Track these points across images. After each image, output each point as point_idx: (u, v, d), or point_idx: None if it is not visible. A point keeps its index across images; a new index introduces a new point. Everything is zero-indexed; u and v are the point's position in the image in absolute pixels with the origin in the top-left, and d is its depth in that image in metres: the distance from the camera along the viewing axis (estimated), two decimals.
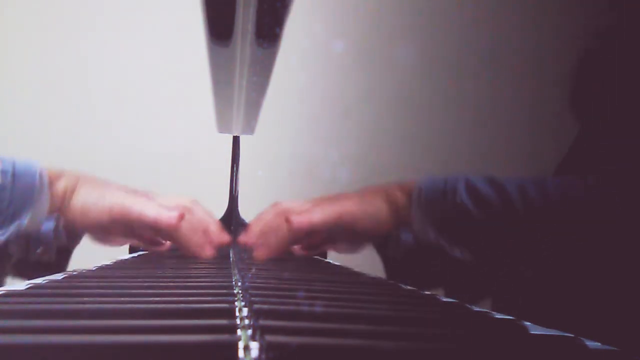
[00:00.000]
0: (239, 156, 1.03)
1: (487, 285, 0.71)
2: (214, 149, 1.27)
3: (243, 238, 0.79)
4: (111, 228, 0.75)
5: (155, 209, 0.74)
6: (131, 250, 0.90)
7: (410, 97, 1.57)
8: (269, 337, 0.24)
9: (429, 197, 0.70)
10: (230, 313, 0.32)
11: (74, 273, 0.56)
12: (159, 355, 0.24)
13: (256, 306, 0.32)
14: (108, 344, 0.24)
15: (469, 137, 1.56)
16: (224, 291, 0.41)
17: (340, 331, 0.29)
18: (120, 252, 0.87)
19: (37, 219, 0.69)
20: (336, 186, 1.50)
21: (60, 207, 0.73)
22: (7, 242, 0.67)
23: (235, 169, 1.03)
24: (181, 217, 0.74)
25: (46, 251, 0.73)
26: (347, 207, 0.74)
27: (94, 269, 0.60)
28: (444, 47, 1.57)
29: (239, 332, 0.29)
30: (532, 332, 0.34)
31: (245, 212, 1.02)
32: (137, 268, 0.63)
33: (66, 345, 0.24)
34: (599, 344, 0.32)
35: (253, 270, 0.57)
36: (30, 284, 0.45)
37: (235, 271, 0.57)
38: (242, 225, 1.01)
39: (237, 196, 1.03)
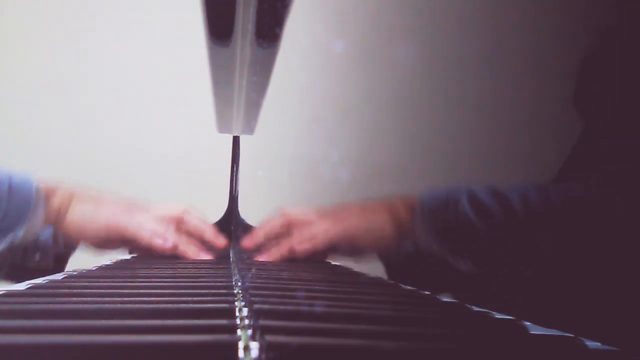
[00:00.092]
0: (239, 156, 1.03)
1: (487, 287, 0.71)
2: (214, 149, 1.27)
3: (246, 242, 0.79)
4: (107, 242, 0.76)
5: (149, 232, 0.74)
6: (131, 251, 0.90)
7: (410, 97, 1.57)
8: (269, 337, 0.24)
9: (432, 209, 0.70)
10: (230, 313, 0.32)
11: (74, 273, 0.56)
12: (159, 355, 0.24)
13: (256, 306, 0.32)
14: (108, 344, 0.24)
15: (469, 137, 1.56)
16: (224, 291, 0.41)
17: (340, 331, 0.29)
18: (120, 252, 0.87)
19: (31, 232, 0.70)
20: (336, 186, 1.50)
21: (55, 222, 0.74)
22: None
23: (235, 169, 1.03)
24: (174, 247, 0.75)
25: (44, 258, 0.74)
26: (350, 226, 0.75)
27: (94, 269, 0.60)
28: (444, 47, 1.57)
29: (239, 332, 0.29)
30: (532, 332, 0.34)
31: (245, 212, 1.02)
32: (137, 268, 0.63)
33: (66, 345, 0.24)
34: (599, 344, 0.32)
35: (253, 270, 0.57)
36: (30, 284, 0.45)
37: (235, 271, 0.57)
38: (242, 225, 1.00)
39: (237, 196, 1.02)
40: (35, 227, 0.70)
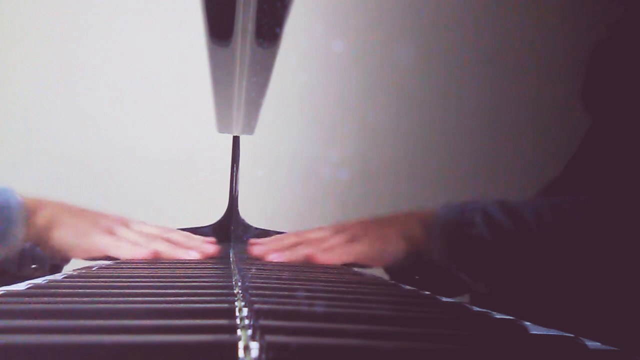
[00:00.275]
0: (239, 156, 1.03)
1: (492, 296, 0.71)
2: (214, 149, 1.27)
3: (257, 251, 0.78)
4: (93, 259, 0.76)
5: (130, 250, 0.74)
6: None
7: (410, 97, 1.57)
8: (269, 337, 0.24)
9: (447, 229, 0.70)
10: (230, 313, 0.32)
11: (74, 273, 0.55)
12: (159, 355, 0.24)
13: (256, 306, 0.32)
14: (108, 344, 0.24)
15: (469, 136, 1.56)
16: (224, 291, 0.41)
17: (340, 331, 0.29)
18: None
19: (12, 248, 0.70)
20: (336, 186, 1.50)
21: (37, 241, 0.74)
22: None
23: (235, 169, 1.03)
24: (156, 254, 0.75)
25: (39, 269, 0.75)
26: (364, 251, 0.75)
27: (94, 269, 0.60)
28: (444, 47, 1.57)
29: (239, 332, 0.29)
30: (532, 332, 0.34)
31: (245, 212, 1.02)
32: (137, 268, 0.63)
33: (66, 345, 0.24)
34: (599, 344, 0.32)
35: (253, 270, 0.57)
36: (30, 284, 0.45)
37: (235, 271, 0.57)
38: (242, 225, 1.01)
39: (237, 196, 1.02)
40: (16, 245, 0.70)
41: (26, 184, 0.74)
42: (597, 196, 0.66)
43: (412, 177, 1.53)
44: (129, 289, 0.43)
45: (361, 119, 1.57)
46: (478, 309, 0.42)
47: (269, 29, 0.50)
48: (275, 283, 0.48)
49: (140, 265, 0.66)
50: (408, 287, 0.56)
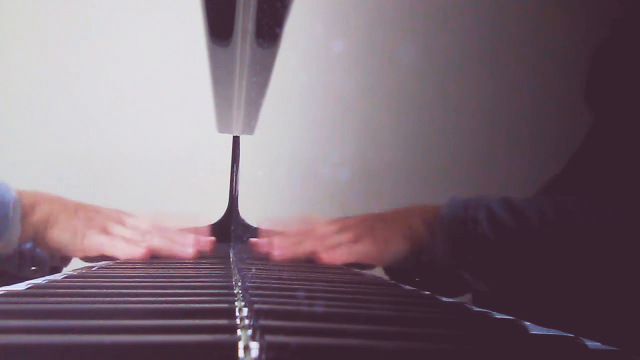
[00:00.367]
0: (239, 156, 1.03)
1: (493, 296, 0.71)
2: (214, 149, 1.27)
3: (262, 248, 0.78)
4: (89, 259, 0.76)
5: (125, 248, 0.74)
6: None
7: (410, 97, 1.57)
8: (269, 337, 0.24)
9: (450, 226, 0.70)
10: (230, 313, 0.32)
11: (74, 273, 0.55)
12: (159, 355, 0.24)
13: (256, 306, 0.32)
14: (108, 344, 0.24)
15: (469, 136, 1.56)
16: (224, 291, 0.41)
17: (340, 331, 0.29)
18: None
19: (9, 245, 0.70)
20: (336, 186, 1.50)
21: (35, 238, 0.74)
22: None
23: (235, 169, 1.03)
24: (149, 251, 0.75)
25: (39, 270, 0.75)
26: (367, 251, 0.75)
27: (94, 268, 0.60)
28: (444, 47, 1.57)
29: (239, 332, 0.29)
30: (532, 332, 0.34)
31: (245, 212, 1.02)
32: (136, 268, 0.63)
33: (66, 345, 0.24)
34: (599, 344, 0.32)
35: (253, 270, 0.57)
36: (30, 284, 0.45)
37: (235, 271, 0.57)
38: (242, 225, 1.01)
39: (237, 196, 1.03)
40: (11, 243, 0.70)
41: (26, 184, 0.74)
42: (600, 195, 0.66)
43: (412, 177, 1.53)
44: (128, 289, 0.43)
45: (361, 119, 1.57)
46: (478, 309, 0.42)
47: (269, 29, 0.50)
48: (275, 283, 0.48)
49: (140, 266, 0.66)
50: (408, 287, 0.56)
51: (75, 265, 0.73)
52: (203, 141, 1.44)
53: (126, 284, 0.46)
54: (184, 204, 1.40)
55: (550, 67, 1.50)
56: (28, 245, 0.76)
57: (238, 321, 0.31)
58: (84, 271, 0.57)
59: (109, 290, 0.41)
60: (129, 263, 0.69)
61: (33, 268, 0.77)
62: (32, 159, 1.43)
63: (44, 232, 0.73)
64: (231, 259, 0.76)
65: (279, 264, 0.72)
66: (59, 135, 1.46)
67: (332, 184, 1.50)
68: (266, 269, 0.61)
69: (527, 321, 0.37)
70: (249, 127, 0.88)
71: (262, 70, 0.62)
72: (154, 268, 0.63)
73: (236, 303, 0.36)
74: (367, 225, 0.77)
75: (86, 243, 0.74)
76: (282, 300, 0.37)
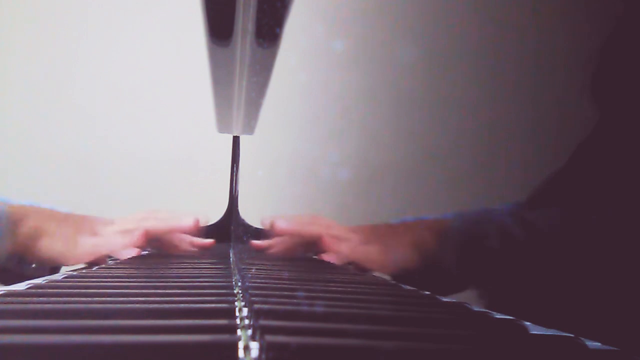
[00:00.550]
0: (239, 156, 1.03)
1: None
2: (214, 149, 1.27)
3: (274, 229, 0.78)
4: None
5: (123, 245, 0.74)
6: None
7: (411, 97, 1.57)
8: (269, 337, 0.24)
9: (460, 240, 0.70)
10: (230, 313, 0.32)
11: (74, 273, 0.55)
12: (159, 355, 0.24)
13: (256, 306, 0.32)
14: (108, 344, 0.24)
15: (470, 136, 1.56)
16: (224, 291, 0.41)
17: (340, 331, 0.29)
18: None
19: None
20: (336, 186, 1.50)
21: (25, 250, 0.73)
22: None
23: (235, 169, 1.03)
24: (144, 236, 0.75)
25: (39, 269, 0.74)
26: (372, 254, 0.75)
27: (94, 269, 0.60)
28: (444, 47, 1.57)
29: (239, 332, 0.29)
30: (532, 332, 0.34)
31: (245, 212, 1.02)
32: (137, 268, 0.63)
33: (66, 345, 0.24)
34: (599, 344, 0.32)
35: (253, 270, 0.57)
36: (30, 284, 0.45)
37: (235, 271, 0.57)
38: (242, 225, 1.01)
39: (237, 196, 1.03)
40: (0, 254, 0.70)
41: (26, 184, 0.74)
42: (600, 193, 0.66)
43: (412, 177, 1.53)
44: (128, 289, 0.43)
45: (361, 119, 1.57)
46: (478, 308, 0.42)
47: (269, 29, 0.50)
48: (275, 283, 0.48)
49: (140, 266, 0.66)
50: (408, 287, 0.56)
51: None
52: (203, 141, 1.43)
53: (126, 284, 0.46)
54: (184, 204, 1.40)
55: (551, 65, 1.50)
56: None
57: (238, 321, 0.31)
58: (84, 271, 0.57)
59: (109, 290, 0.41)
60: (129, 263, 0.69)
61: (33, 265, 0.76)
62: (32, 159, 1.43)
63: (34, 244, 0.73)
64: (231, 259, 0.76)
65: (279, 264, 0.72)
66: (59, 135, 1.46)
67: (332, 184, 1.50)
68: (266, 269, 0.61)
69: (527, 321, 0.37)
70: (249, 127, 0.88)
71: (262, 70, 0.62)
72: (154, 268, 0.63)
73: (236, 303, 0.36)
74: (378, 232, 0.77)
75: (79, 249, 0.74)
76: (282, 300, 0.37)
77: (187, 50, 1.38)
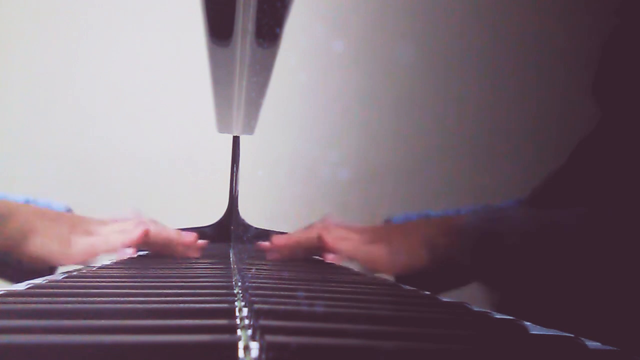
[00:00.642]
0: (239, 156, 1.03)
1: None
2: (214, 149, 1.27)
3: (277, 242, 0.78)
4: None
5: (122, 244, 0.74)
6: None
7: (411, 97, 1.57)
8: (269, 337, 0.24)
9: (474, 239, 0.70)
10: (230, 313, 0.32)
11: (74, 273, 0.55)
12: (159, 355, 0.24)
13: (256, 306, 0.32)
14: (108, 344, 0.24)
15: (470, 136, 1.56)
16: (224, 291, 0.41)
17: (340, 331, 0.29)
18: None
19: None
20: (336, 186, 1.50)
21: (11, 248, 0.72)
22: None
23: (235, 169, 1.03)
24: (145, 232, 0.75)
25: (37, 266, 0.74)
26: (378, 254, 0.75)
27: (94, 269, 0.60)
28: (444, 47, 1.57)
29: (239, 332, 0.29)
30: (532, 332, 0.34)
31: (245, 212, 1.02)
32: (137, 268, 0.63)
33: (66, 345, 0.24)
34: (599, 344, 0.32)
35: (253, 270, 0.57)
36: (30, 284, 0.45)
37: (235, 271, 0.57)
38: (242, 225, 1.01)
39: (237, 196, 1.02)
40: None
41: (26, 184, 0.74)
42: (600, 192, 0.66)
43: (413, 177, 1.53)
44: (128, 289, 0.43)
45: (361, 119, 1.57)
46: (478, 308, 0.42)
47: (269, 29, 0.50)
48: (275, 283, 0.48)
49: (140, 265, 0.66)
50: (408, 287, 0.56)
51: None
52: (203, 141, 1.43)
53: (126, 284, 0.46)
54: (184, 204, 1.40)
55: (552, 63, 1.50)
56: None
57: (238, 321, 0.31)
58: (84, 271, 0.57)
59: (109, 290, 0.41)
60: (129, 263, 0.69)
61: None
62: (32, 159, 1.43)
63: (23, 242, 0.71)
64: (231, 259, 0.76)
65: (279, 264, 0.72)
66: (59, 135, 1.46)
67: (332, 184, 1.50)
68: (266, 269, 0.61)
69: (527, 321, 0.37)
70: (249, 127, 0.88)
71: (262, 70, 0.62)
72: (154, 268, 0.63)
73: (236, 303, 0.36)
74: (385, 233, 0.77)
75: (74, 249, 0.72)
76: (282, 300, 0.37)
77: (187, 50, 1.38)
